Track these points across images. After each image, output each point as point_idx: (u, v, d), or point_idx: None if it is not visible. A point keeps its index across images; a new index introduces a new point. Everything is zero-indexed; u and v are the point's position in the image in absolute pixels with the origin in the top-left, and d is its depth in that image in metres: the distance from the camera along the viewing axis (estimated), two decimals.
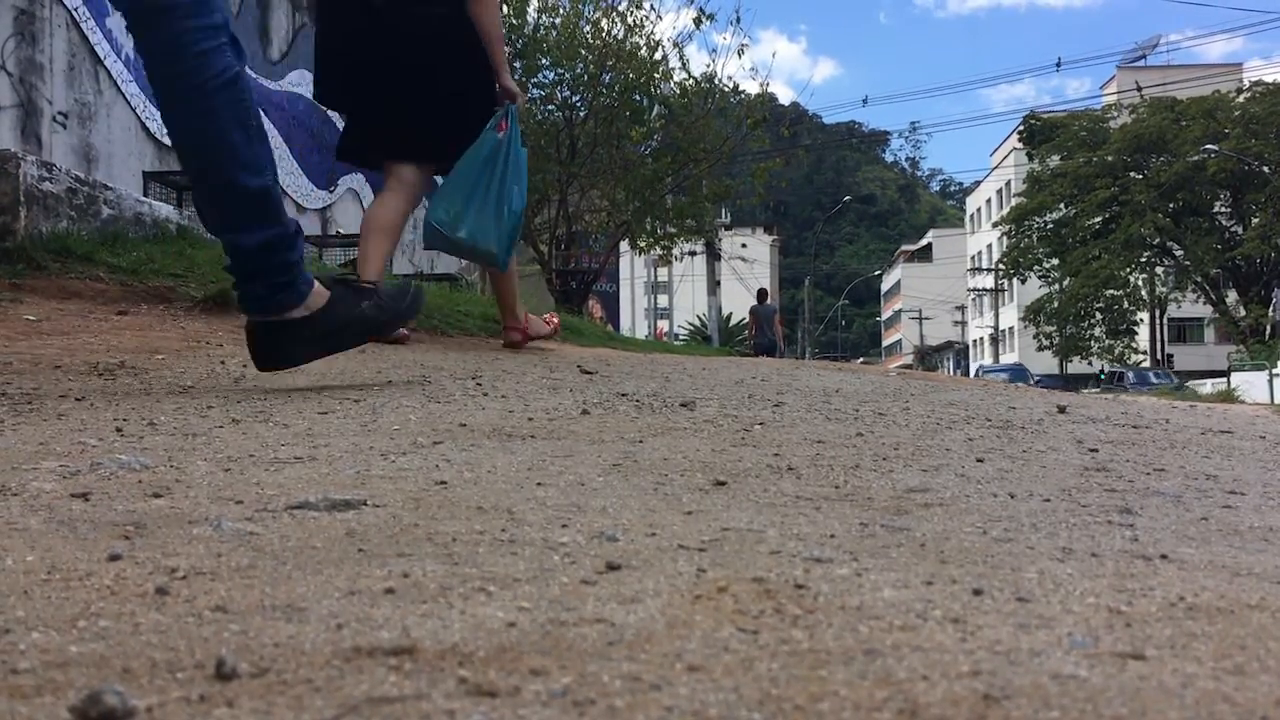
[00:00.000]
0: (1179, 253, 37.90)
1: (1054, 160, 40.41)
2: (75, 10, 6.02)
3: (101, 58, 6.17)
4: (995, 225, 53.48)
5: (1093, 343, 39.92)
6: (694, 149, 12.89)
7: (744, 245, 36.18)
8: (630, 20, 12.52)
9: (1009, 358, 56.97)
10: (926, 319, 72.09)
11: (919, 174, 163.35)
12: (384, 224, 3.66)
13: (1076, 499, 1.45)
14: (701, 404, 2.46)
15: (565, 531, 1.11)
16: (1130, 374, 33.61)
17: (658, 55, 12.78)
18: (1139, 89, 40.59)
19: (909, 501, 1.36)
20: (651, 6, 13.10)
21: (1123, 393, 21.31)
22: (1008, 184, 58.62)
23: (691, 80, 13.39)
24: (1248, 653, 0.77)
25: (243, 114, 2.19)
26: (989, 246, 62.12)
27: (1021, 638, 0.79)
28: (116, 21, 6.38)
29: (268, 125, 7.13)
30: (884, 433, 2.11)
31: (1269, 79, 36.51)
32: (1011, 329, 58.29)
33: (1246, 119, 34.75)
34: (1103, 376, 36.51)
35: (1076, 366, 42.99)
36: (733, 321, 33.51)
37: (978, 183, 75.09)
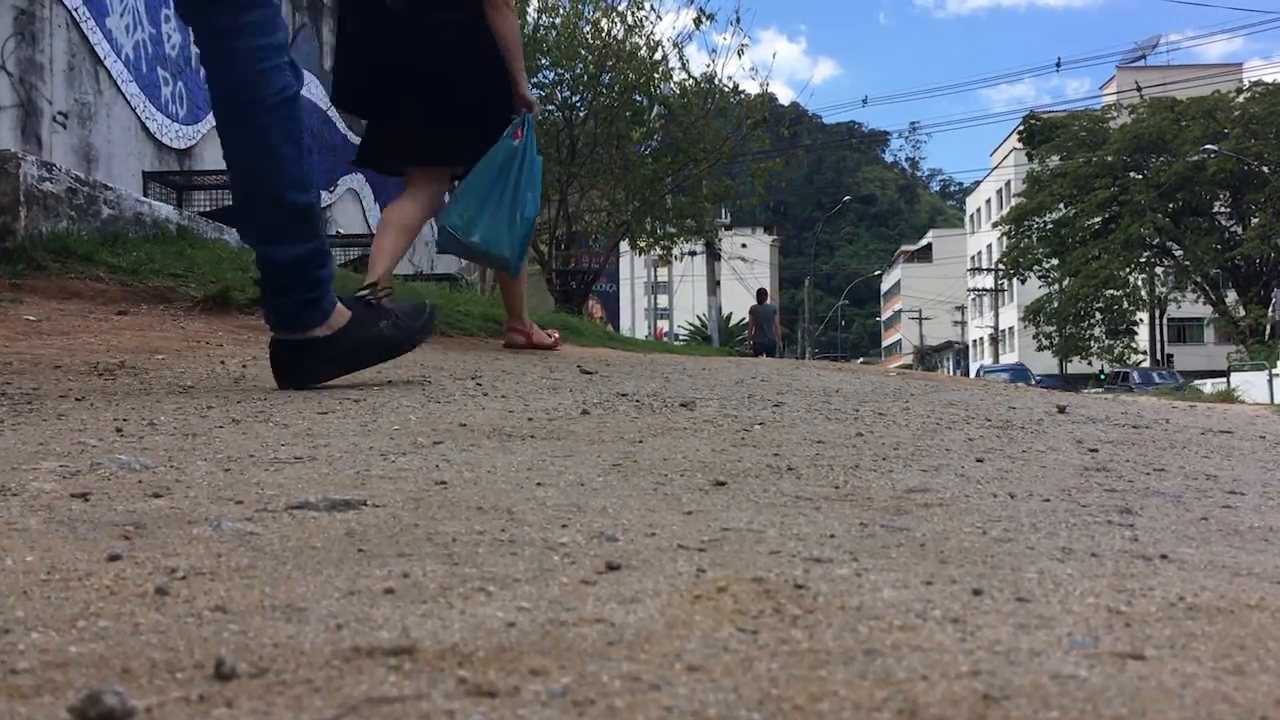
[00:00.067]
0: (1179, 253, 37.89)
1: (1054, 160, 40.39)
2: (75, 10, 6.02)
3: (101, 58, 6.17)
4: (995, 225, 53.46)
5: (1092, 343, 39.90)
6: (694, 149, 12.89)
7: (744, 245, 36.18)
8: (630, 20, 12.53)
9: (1009, 358, 56.95)
10: (926, 319, 72.07)
11: (919, 174, 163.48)
12: (400, 222, 3.71)
13: (1076, 499, 1.44)
14: (701, 404, 2.46)
15: (565, 532, 1.11)
16: (1135, 374, 33.60)
17: (657, 55, 12.78)
18: (1139, 89, 40.58)
19: (909, 501, 1.36)
20: (651, 7, 13.10)
21: (1128, 392, 21.34)
22: (1008, 184, 58.62)
23: (691, 80, 13.40)
24: (1247, 653, 0.77)
25: (296, 132, 2.29)
26: (989, 247, 62.11)
27: (1021, 638, 0.79)
28: (116, 21, 6.38)
29: None
30: (884, 433, 2.11)
31: (1269, 79, 36.51)
32: (1011, 329, 58.29)
33: (1246, 119, 34.73)
34: (1103, 376, 36.50)
35: (1076, 366, 42.98)
36: (733, 321, 33.52)
37: (978, 183, 75.11)
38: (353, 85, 3.79)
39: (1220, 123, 35.24)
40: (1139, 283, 39.95)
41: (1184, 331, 52.30)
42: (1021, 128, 44.51)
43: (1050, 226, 40.47)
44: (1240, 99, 36.42)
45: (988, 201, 68.60)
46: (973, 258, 70.59)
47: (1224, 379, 27.99)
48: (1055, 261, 40.77)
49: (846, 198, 79.85)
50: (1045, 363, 48.11)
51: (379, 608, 0.83)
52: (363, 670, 0.69)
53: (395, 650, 0.72)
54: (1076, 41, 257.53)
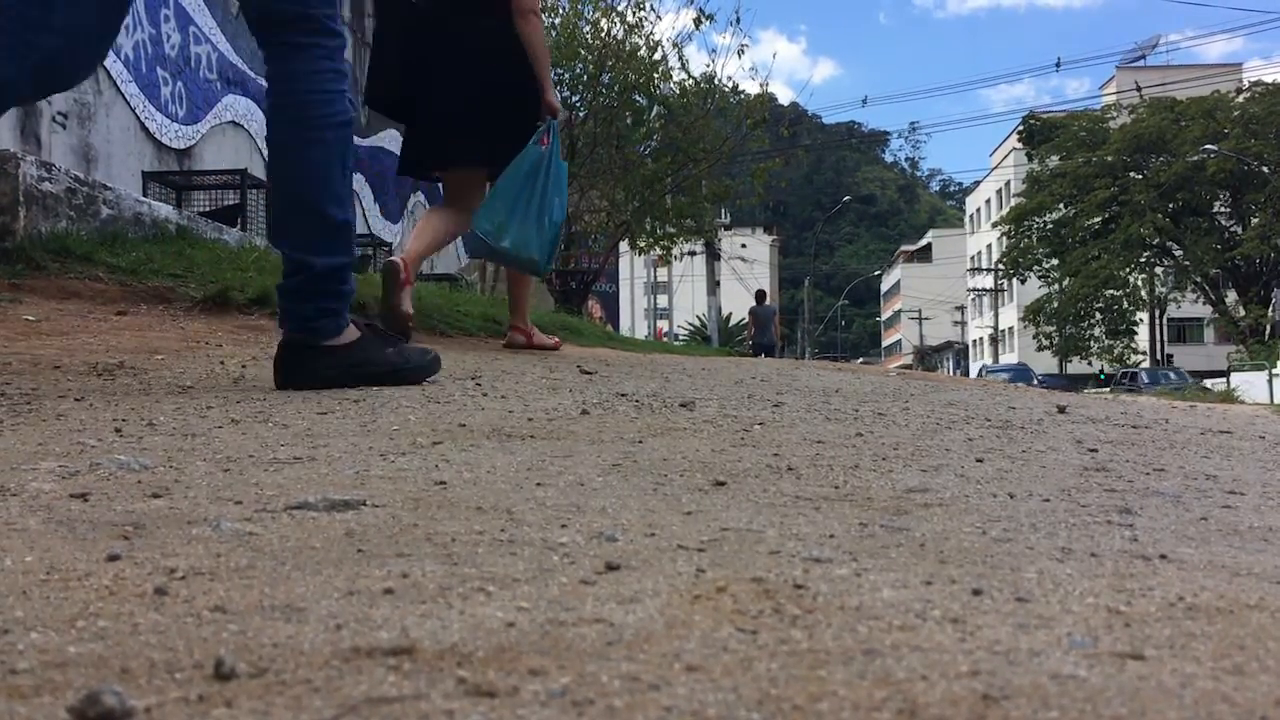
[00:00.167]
0: (1178, 253, 37.88)
1: (1053, 160, 40.36)
2: None
3: None
4: (995, 225, 53.46)
5: (1092, 343, 39.89)
6: (694, 149, 12.89)
7: (744, 245, 36.21)
8: (630, 20, 12.53)
9: (1008, 358, 56.93)
10: (926, 319, 72.08)
11: (919, 174, 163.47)
12: (440, 221, 3.95)
13: (1076, 499, 1.44)
14: (701, 404, 2.46)
15: (564, 532, 1.11)
16: (1144, 374, 33.62)
17: (657, 55, 12.79)
18: (1138, 89, 40.56)
19: (908, 501, 1.36)
20: (651, 7, 13.10)
21: (1136, 392, 21.35)
22: (1007, 184, 58.60)
23: (691, 80, 13.40)
24: (1247, 653, 0.77)
25: (345, 154, 2.44)
26: (989, 247, 62.11)
27: (1021, 638, 0.79)
28: None
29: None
30: (884, 433, 2.11)
31: (1268, 79, 36.48)
32: (1011, 329, 58.28)
33: (1246, 119, 34.72)
34: (1102, 376, 36.48)
35: (1076, 367, 42.97)
36: (732, 321, 33.52)
37: (977, 183, 75.11)
38: (386, 86, 3.94)
39: (1220, 123, 35.24)
40: (1139, 283, 39.93)
41: (1184, 331, 52.30)
42: (1021, 128, 44.49)
43: (1050, 226, 40.45)
44: (1240, 99, 36.41)
45: (987, 201, 68.60)
46: (972, 258, 70.59)
47: (1224, 379, 27.97)
48: (1055, 261, 40.75)
49: (846, 198, 79.82)
50: (1045, 363, 48.12)
51: (378, 608, 0.82)
52: (362, 670, 0.69)
53: (395, 650, 0.72)
54: (1076, 41, 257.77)
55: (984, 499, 1.41)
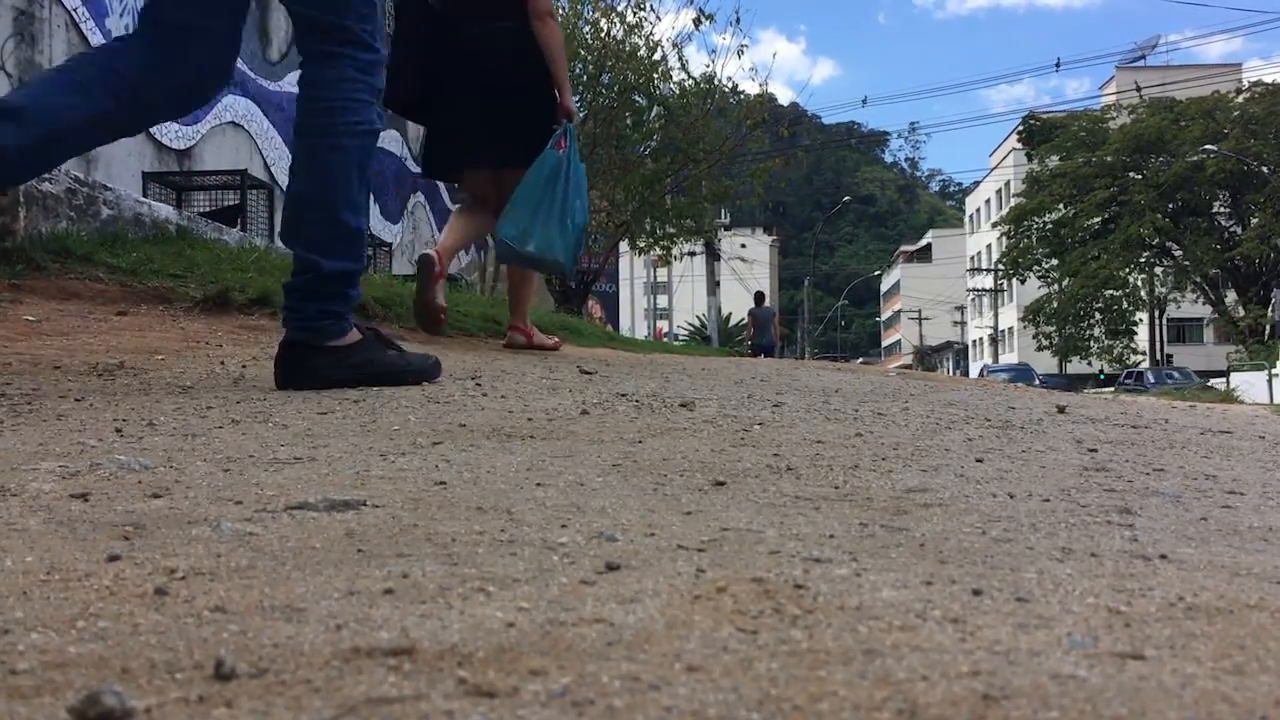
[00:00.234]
0: (1178, 253, 37.87)
1: (1053, 161, 40.35)
2: (75, 10, 6.02)
3: None
4: (994, 225, 53.45)
5: (1092, 343, 39.88)
6: (693, 149, 12.91)
7: (743, 245, 36.22)
8: (630, 20, 12.54)
9: (1008, 358, 56.93)
10: (926, 319, 72.08)
11: (918, 174, 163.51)
12: (470, 217, 4.07)
13: (1076, 499, 1.44)
14: (701, 404, 2.46)
15: (564, 532, 1.11)
16: (1150, 373, 33.61)
17: (657, 56, 12.79)
18: (1138, 89, 40.54)
19: (908, 501, 1.36)
20: (651, 7, 13.10)
21: (1143, 392, 21.35)
22: (1007, 184, 58.59)
23: (691, 81, 13.41)
24: (1247, 653, 0.77)
25: (366, 163, 2.48)
26: (988, 247, 62.10)
27: (1021, 638, 0.79)
28: (116, 22, 6.38)
29: (268, 125, 7.15)
30: (883, 433, 2.11)
31: (1268, 79, 36.47)
32: (1011, 329, 58.28)
33: (1246, 119, 34.71)
34: (1102, 376, 36.46)
35: (1076, 367, 42.97)
36: (732, 322, 33.54)
37: (977, 183, 75.11)
38: (403, 88, 3.99)
39: (1220, 123, 35.22)
40: (1139, 283, 39.93)
41: (1184, 331, 52.30)
42: (1021, 128, 44.47)
43: (1050, 227, 40.44)
44: (1240, 99, 36.39)
45: (987, 202, 68.60)
46: (972, 258, 70.59)
47: (1224, 379, 27.97)
48: (1055, 262, 40.74)
49: (846, 198, 79.83)
50: (1045, 363, 48.12)
51: (378, 608, 0.83)
52: (362, 670, 0.69)
53: (395, 650, 0.72)
54: (1076, 42, 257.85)
55: (984, 499, 1.41)
